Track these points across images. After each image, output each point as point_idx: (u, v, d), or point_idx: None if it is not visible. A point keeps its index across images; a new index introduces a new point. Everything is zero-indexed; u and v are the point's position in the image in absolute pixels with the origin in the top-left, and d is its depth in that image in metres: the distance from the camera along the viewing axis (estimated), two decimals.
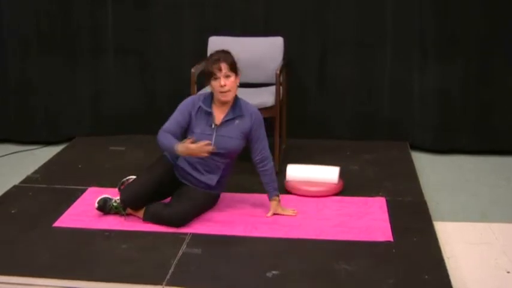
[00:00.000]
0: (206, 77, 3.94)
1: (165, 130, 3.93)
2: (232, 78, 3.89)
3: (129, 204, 3.95)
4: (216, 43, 5.07)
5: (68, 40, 5.45)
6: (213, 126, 3.95)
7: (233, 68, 3.91)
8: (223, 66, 3.86)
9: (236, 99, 4.00)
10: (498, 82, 5.16)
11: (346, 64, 5.34)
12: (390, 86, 5.32)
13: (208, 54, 4.98)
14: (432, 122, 5.29)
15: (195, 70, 4.70)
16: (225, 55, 3.93)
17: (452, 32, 5.12)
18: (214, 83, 3.89)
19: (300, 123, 5.41)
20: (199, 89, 4.75)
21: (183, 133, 3.99)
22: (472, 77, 5.17)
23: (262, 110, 4.22)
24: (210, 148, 3.82)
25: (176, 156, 4.00)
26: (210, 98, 3.99)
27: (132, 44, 5.47)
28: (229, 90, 3.89)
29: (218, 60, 3.89)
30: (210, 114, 3.95)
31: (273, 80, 4.76)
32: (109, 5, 5.39)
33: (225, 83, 3.86)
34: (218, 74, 3.86)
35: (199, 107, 3.96)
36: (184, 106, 4.00)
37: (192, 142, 3.82)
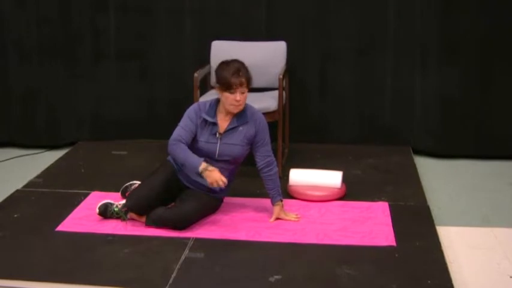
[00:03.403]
0: (221, 85, 3.88)
1: (180, 140, 3.90)
2: (246, 93, 3.89)
3: (136, 210, 3.95)
4: (219, 48, 5.08)
5: (70, 46, 5.46)
6: (217, 135, 3.95)
7: (250, 84, 3.91)
8: (244, 82, 3.85)
9: None
10: (499, 87, 5.16)
11: (347, 69, 5.34)
12: (392, 90, 5.32)
13: (211, 59, 5.02)
14: (434, 126, 5.29)
15: (198, 75, 4.71)
16: (244, 69, 3.89)
17: (453, 38, 5.13)
18: (228, 95, 3.85)
19: (302, 127, 5.41)
20: (201, 94, 4.76)
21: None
22: (473, 82, 5.17)
23: (265, 114, 4.23)
24: (222, 184, 3.80)
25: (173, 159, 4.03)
26: (215, 106, 3.99)
27: (134, 49, 5.47)
28: (241, 105, 3.89)
29: (238, 73, 3.83)
30: (214, 124, 3.96)
31: (276, 85, 4.76)
32: (110, 10, 5.40)
33: (240, 98, 3.86)
34: (236, 89, 3.84)
35: (203, 117, 3.97)
36: (192, 113, 3.98)
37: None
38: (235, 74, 3.84)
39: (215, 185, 3.80)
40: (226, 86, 3.84)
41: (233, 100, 3.85)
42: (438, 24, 5.13)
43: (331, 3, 5.24)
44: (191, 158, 3.86)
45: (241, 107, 3.92)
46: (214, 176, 3.78)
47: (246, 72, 3.90)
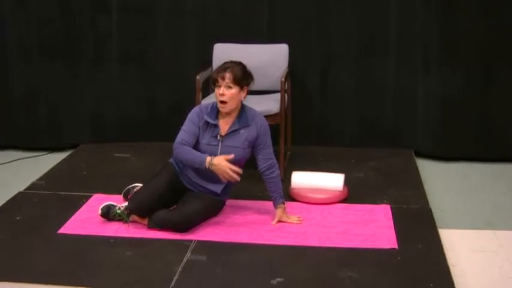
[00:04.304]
0: (212, 84, 3.96)
1: (183, 143, 3.93)
2: (234, 90, 3.89)
3: (138, 213, 3.95)
4: (221, 50, 5.08)
5: (72, 48, 5.45)
6: (218, 137, 3.95)
7: (237, 80, 3.90)
8: (227, 76, 3.88)
9: (242, 108, 4.00)
10: (501, 89, 5.15)
11: (349, 71, 5.33)
12: (394, 93, 5.32)
13: (214, 61, 5.04)
14: (437, 129, 5.29)
15: (200, 77, 4.71)
16: (234, 66, 3.93)
17: (454, 40, 5.12)
18: (215, 90, 3.91)
19: (304, 130, 5.41)
20: (204, 97, 4.76)
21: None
22: (476, 84, 5.16)
23: (267, 117, 4.23)
24: (237, 178, 3.87)
25: (183, 165, 4.03)
26: (216, 109, 3.99)
27: (136, 52, 5.47)
28: (226, 102, 3.89)
29: (225, 69, 3.90)
30: (215, 126, 3.96)
31: (278, 87, 4.76)
32: (112, 12, 5.40)
33: (223, 93, 3.87)
34: (220, 83, 3.87)
35: (205, 119, 3.97)
36: (195, 116, 4.00)
37: (227, 160, 3.87)
38: (221, 70, 3.91)
39: (228, 178, 3.85)
40: (212, 80, 3.93)
41: (217, 94, 3.88)
42: (440, 26, 5.12)
43: (332, 6, 5.24)
44: (196, 157, 3.90)
45: (227, 106, 3.90)
46: (222, 170, 3.84)
47: (236, 70, 3.92)
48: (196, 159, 3.90)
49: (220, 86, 3.88)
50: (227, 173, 3.85)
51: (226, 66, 3.94)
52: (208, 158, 3.86)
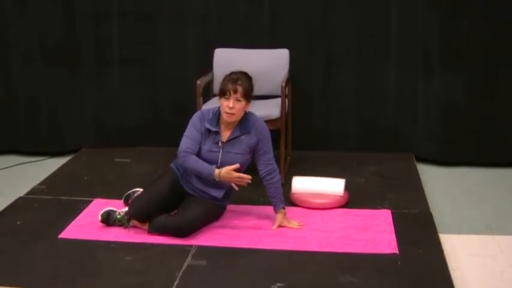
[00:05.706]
0: (219, 92, 3.93)
1: (188, 151, 3.93)
2: (242, 104, 3.89)
3: (139, 218, 3.95)
4: (221, 55, 5.08)
5: (74, 53, 5.46)
6: (219, 144, 3.95)
7: (247, 94, 3.90)
8: (239, 90, 3.86)
9: (244, 115, 3.99)
10: (503, 93, 5.15)
11: (350, 76, 5.33)
12: (395, 98, 5.32)
13: (214, 66, 5.03)
14: (437, 133, 5.29)
15: (200, 82, 4.71)
16: (245, 79, 3.92)
17: (456, 43, 5.12)
18: (223, 101, 3.88)
19: (305, 135, 5.40)
20: (204, 101, 4.76)
21: None
22: (477, 88, 5.16)
23: (268, 122, 4.23)
24: (248, 181, 3.90)
25: (184, 170, 4.03)
26: (218, 115, 3.99)
27: (137, 56, 5.47)
28: (234, 114, 3.89)
29: (236, 82, 3.88)
30: (217, 133, 3.96)
31: (279, 92, 4.76)
32: (114, 16, 5.40)
33: (233, 106, 3.86)
34: (230, 95, 3.86)
35: (206, 127, 3.97)
36: (197, 121, 3.99)
37: (234, 170, 3.88)
38: (232, 81, 3.88)
39: (239, 183, 3.91)
40: (221, 91, 3.89)
41: (226, 106, 3.86)
42: (441, 30, 5.11)
43: (332, 9, 5.24)
44: (204, 169, 3.91)
45: (234, 117, 3.91)
46: (232, 180, 3.88)
47: (246, 82, 3.91)
48: (204, 171, 3.91)
49: (229, 99, 3.87)
50: (236, 180, 3.90)
51: (236, 77, 3.90)
52: (217, 171, 3.87)
